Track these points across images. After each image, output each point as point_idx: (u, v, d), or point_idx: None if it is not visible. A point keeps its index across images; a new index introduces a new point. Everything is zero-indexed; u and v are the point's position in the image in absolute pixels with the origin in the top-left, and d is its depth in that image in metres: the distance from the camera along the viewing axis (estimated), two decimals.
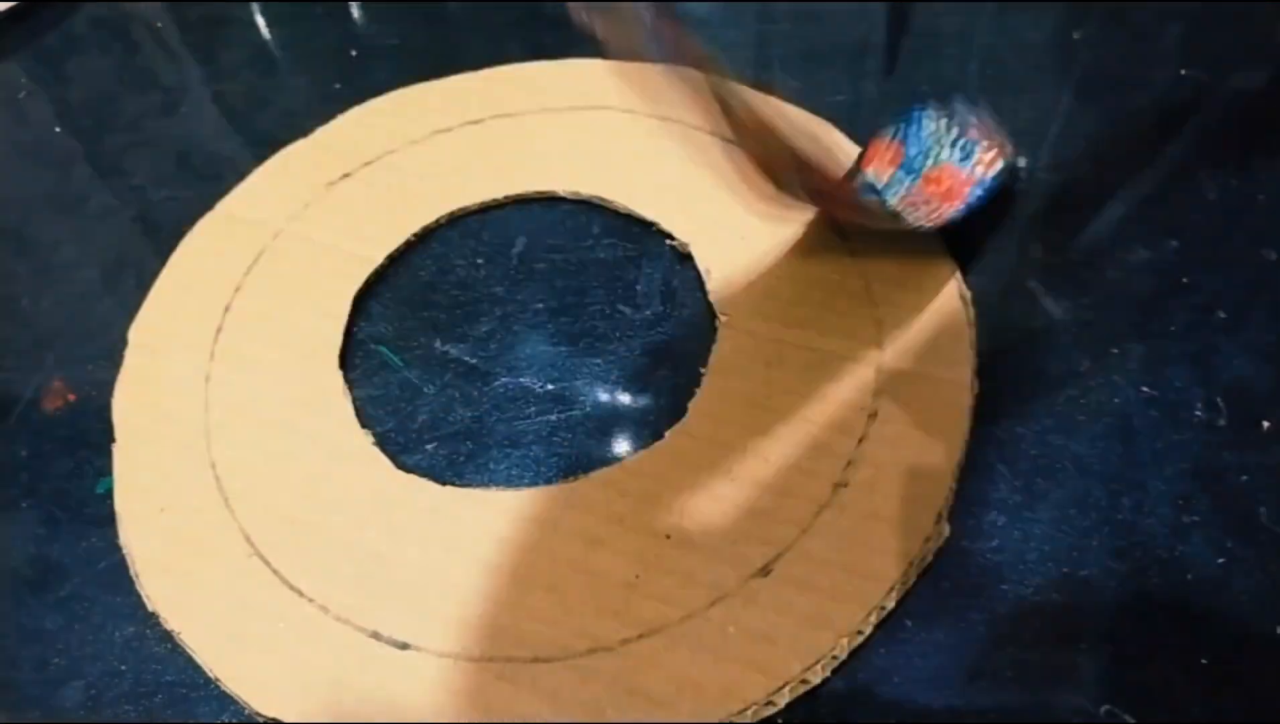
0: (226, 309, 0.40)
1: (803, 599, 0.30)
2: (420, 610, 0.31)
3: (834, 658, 0.29)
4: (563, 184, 0.43)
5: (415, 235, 0.42)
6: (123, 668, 0.31)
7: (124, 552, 0.33)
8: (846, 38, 0.32)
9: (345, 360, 0.38)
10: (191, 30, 0.54)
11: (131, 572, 0.33)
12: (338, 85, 0.47)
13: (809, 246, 0.40)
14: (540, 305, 0.40)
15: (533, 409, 0.37)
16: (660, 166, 0.43)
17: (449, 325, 0.40)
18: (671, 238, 0.41)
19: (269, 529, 0.33)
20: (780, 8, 0.51)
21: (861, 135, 0.43)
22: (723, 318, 0.38)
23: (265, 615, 0.32)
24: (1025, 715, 0.29)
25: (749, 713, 0.29)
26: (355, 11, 0.53)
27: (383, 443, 0.36)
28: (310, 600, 0.32)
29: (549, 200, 0.43)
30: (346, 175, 0.44)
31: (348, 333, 0.39)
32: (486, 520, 0.33)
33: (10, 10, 0.53)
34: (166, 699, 0.30)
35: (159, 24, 0.54)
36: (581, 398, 0.37)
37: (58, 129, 0.49)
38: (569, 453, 0.36)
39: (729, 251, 0.40)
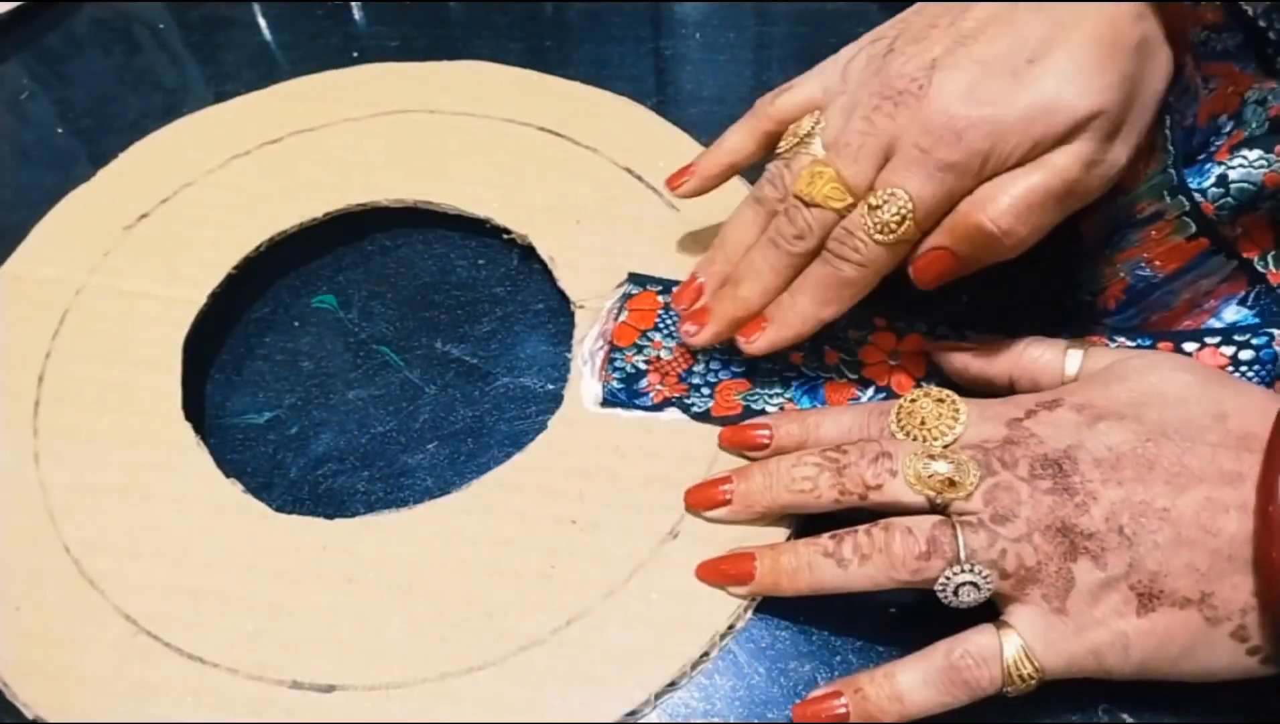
0: (40, 379, 0.36)
1: (712, 552, 0.32)
2: (338, 650, 0.30)
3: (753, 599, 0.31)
4: (383, 193, 0.42)
5: (235, 269, 0.40)
6: None
7: None
8: (845, 38, 0.33)
9: (190, 411, 0.36)
10: (193, 31, 0.52)
11: None
12: None
13: (642, 223, 0.41)
14: (540, 306, 0.41)
15: (533, 408, 0.37)
16: (479, 162, 0.43)
17: (450, 326, 0.40)
18: (509, 232, 0.41)
19: (151, 603, 0.31)
20: (779, 8, 0.53)
21: None
22: (578, 303, 0.38)
23: (169, 693, 0.29)
24: (1024, 715, 0.29)
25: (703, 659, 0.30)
26: (357, 13, 0.53)
27: (383, 442, 0.36)
28: (216, 666, 0.30)
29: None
30: (144, 216, 0.41)
31: (185, 382, 0.36)
32: (387, 546, 0.32)
33: (12, 11, 0.52)
34: None
35: (161, 25, 0.52)
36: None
37: (59, 130, 0.47)
38: None
39: (569, 237, 0.40)
